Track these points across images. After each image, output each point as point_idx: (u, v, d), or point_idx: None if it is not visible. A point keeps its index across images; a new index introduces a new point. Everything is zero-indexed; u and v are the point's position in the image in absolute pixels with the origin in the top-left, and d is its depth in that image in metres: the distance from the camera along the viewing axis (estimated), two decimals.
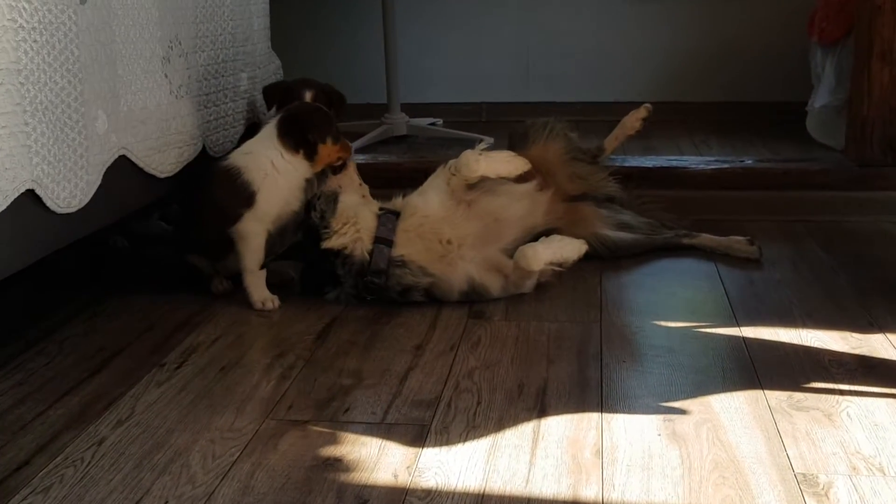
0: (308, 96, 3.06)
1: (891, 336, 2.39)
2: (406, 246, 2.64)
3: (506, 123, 3.73)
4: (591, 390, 2.14)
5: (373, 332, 2.51)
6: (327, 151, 2.73)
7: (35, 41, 2.09)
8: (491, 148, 2.89)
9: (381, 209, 2.74)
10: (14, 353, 2.39)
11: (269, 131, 2.75)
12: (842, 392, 2.10)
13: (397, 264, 2.63)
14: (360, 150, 4.12)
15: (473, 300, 2.68)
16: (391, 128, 4.55)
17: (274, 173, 2.68)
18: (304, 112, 2.80)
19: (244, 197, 2.66)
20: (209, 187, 2.72)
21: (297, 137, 2.70)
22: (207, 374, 2.26)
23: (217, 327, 2.55)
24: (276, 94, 3.14)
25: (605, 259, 2.98)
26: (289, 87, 3.14)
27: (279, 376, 2.24)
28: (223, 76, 3.05)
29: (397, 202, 2.78)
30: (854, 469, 1.79)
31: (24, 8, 2.05)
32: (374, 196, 2.86)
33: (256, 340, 2.48)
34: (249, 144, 2.78)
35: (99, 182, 2.36)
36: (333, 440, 1.95)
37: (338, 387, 2.19)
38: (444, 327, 2.53)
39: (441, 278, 2.65)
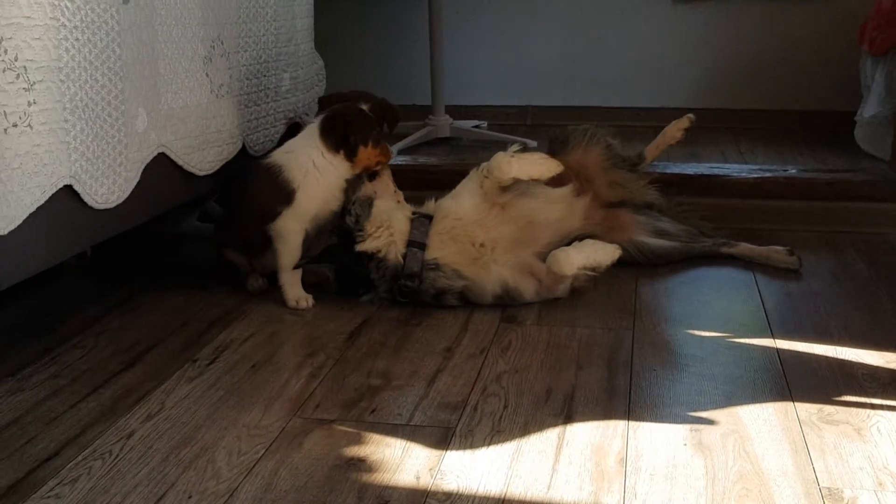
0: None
1: None
2: (439, 249, 2.65)
3: (550, 127, 3.71)
4: (619, 398, 2.13)
5: (404, 334, 2.52)
6: (367, 154, 2.74)
7: (77, 39, 2.12)
8: (533, 151, 2.87)
9: (413, 213, 2.75)
10: (51, 345, 2.43)
11: (311, 130, 2.76)
12: (873, 406, 2.07)
13: (430, 267, 2.64)
14: (403, 152, 4.13)
15: (507, 304, 2.68)
16: (435, 129, 4.56)
17: (314, 172, 2.70)
18: (347, 113, 2.81)
19: (284, 194, 2.68)
20: (250, 184, 2.74)
21: (339, 137, 2.72)
22: (238, 371, 2.28)
23: (250, 325, 2.57)
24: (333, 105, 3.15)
25: (642, 266, 2.97)
26: (346, 99, 3.15)
27: (308, 375, 2.26)
28: (265, 76, 3.08)
29: (430, 205, 2.79)
30: (880, 484, 1.77)
31: (66, 7, 2.08)
32: (409, 200, 2.86)
33: (288, 339, 2.49)
34: (291, 143, 2.80)
35: (137, 179, 2.39)
36: (358, 440, 1.96)
37: (366, 387, 2.20)
38: (476, 331, 2.53)
39: (474, 281, 2.66)
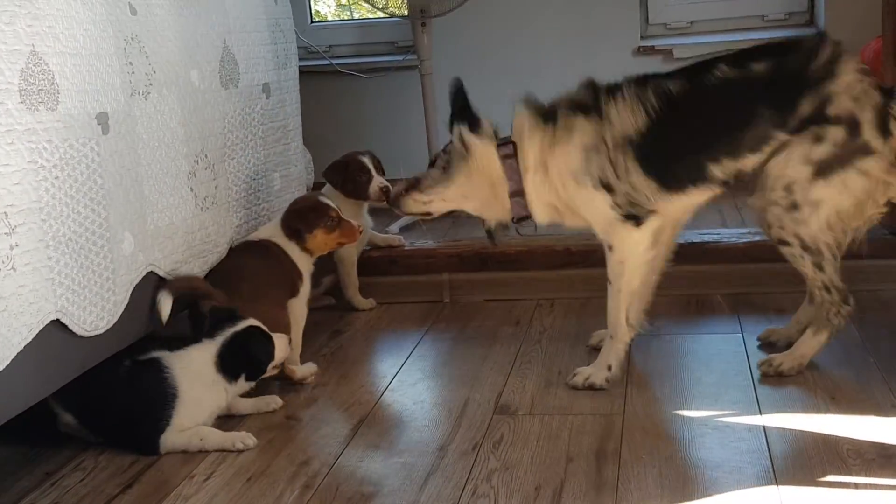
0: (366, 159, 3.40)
1: None
2: None
3: None
4: (606, 492, 2.16)
5: (398, 433, 2.57)
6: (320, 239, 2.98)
7: (56, 178, 2.20)
8: None
9: None
10: (53, 469, 2.48)
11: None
12: (856, 485, 2.10)
13: None
14: (405, 229, 4.19)
15: None
16: None
17: None
18: (298, 205, 3.05)
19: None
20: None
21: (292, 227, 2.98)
22: (233, 487, 2.32)
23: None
24: (338, 173, 3.35)
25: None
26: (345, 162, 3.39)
27: (303, 486, 2.30)
28: (254, 179, 3.15)
29: None
30: None
31: (44, 148, 2.16)
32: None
33: (285, 446, 2.52)
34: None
35: (126, 301, 2.45)
36: None
37: (358, 496, 2.24)
38: (469, 425, 2.57)
39: None
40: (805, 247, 2.61)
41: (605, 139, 2.64)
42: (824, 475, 2.15)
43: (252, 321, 2.64)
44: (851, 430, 2.36)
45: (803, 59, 2.57)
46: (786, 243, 2.64)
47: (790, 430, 2.40)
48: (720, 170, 2.61)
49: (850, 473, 2.15)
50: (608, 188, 2.64)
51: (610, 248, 2.71)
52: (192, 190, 2.76)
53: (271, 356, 2.63)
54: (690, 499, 2.10)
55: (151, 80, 2.59)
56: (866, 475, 2.14)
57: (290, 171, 3.44)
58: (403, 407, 2.75)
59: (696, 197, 2.68)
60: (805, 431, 2.38)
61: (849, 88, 2.53)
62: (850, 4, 4.38)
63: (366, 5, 5.00)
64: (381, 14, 4.84)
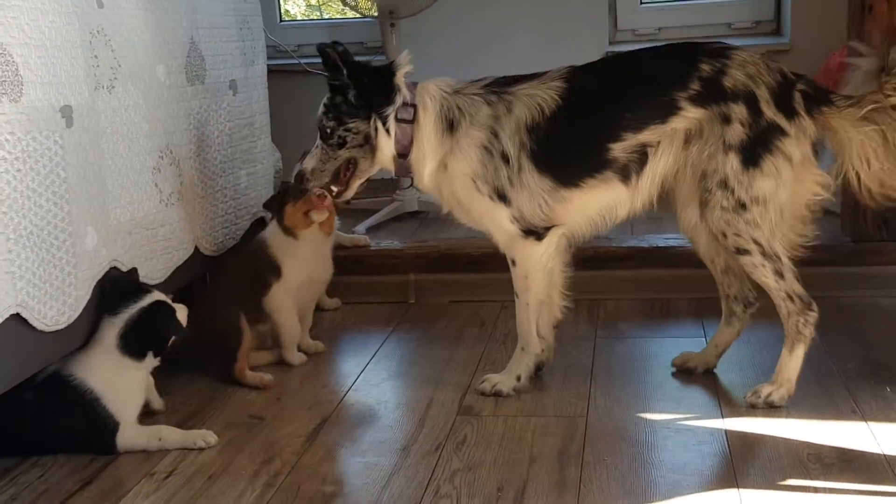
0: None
1: (872, 424, 2.40)
2: None
3: None
4: (568, 493, 2.16)
5: (361, 433, 2.56)
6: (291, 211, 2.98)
7: (18, 170, 2.17)
8: None
9: None
10: (11, 466, 2.45)
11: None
12: (816, 490, 2.11)
13: None
14: (372, 229, 4.18)
15: None
16: (402, 204, 4.59)
17: None
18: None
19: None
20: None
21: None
22: (194, 485, 2.30)
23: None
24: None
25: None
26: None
27: (264, 485, 2.28)
28: (220, 176, 3.13)
29: None
30: None
31: (6, 140, 2.13)
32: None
33: (247, 445, 2.51)
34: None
35: (88, 296, 2.43)
36: None
37: (320, 495, 2.22)
38: (433, 425, 2.56)
39: None
40: (764, 253, 2.55)
41: (501, 132, 2.61)
42: (785, 479, 2.17)
43: (157, 295, 2.56)
44: (812, 434, 2.38)
45: (697, 44, 2.65)
46: (746, 252, 2.56)
47: (751, 433, 2.41)
48: (621, 149, 2.57)
49: (809, 477, 2.17)
50: (504, 199, 2.62)
51: (513, 262, 2.69)
52: (156, 185, 2.74)
53: (177, 329, 2.56)
54: (652, 501, 2.11)
55: (117, 74, 2.57)
56: (826, 479, 2.15)
57: (257, 168, 3.42)
58: (367, 407, 2.74)
59: (594, 193, 2.63)
60: (766, 435, 2.39)
61: (742, 64, 2.53)
62: (816, 13, 4.43)
63: (336, 5, 4.98)
64: (351, 14, 4.83)
